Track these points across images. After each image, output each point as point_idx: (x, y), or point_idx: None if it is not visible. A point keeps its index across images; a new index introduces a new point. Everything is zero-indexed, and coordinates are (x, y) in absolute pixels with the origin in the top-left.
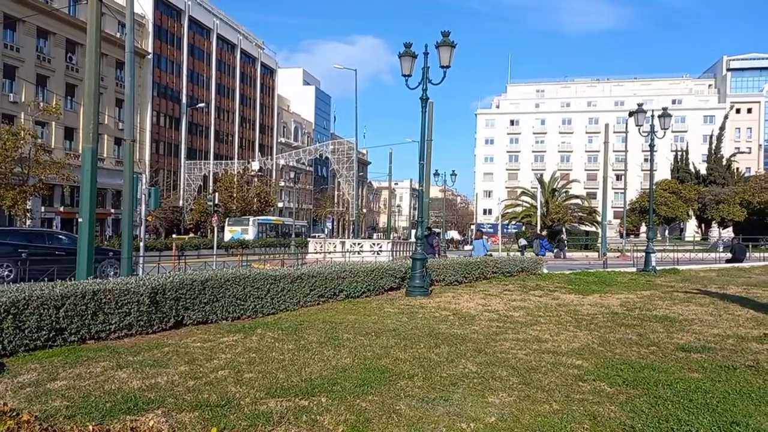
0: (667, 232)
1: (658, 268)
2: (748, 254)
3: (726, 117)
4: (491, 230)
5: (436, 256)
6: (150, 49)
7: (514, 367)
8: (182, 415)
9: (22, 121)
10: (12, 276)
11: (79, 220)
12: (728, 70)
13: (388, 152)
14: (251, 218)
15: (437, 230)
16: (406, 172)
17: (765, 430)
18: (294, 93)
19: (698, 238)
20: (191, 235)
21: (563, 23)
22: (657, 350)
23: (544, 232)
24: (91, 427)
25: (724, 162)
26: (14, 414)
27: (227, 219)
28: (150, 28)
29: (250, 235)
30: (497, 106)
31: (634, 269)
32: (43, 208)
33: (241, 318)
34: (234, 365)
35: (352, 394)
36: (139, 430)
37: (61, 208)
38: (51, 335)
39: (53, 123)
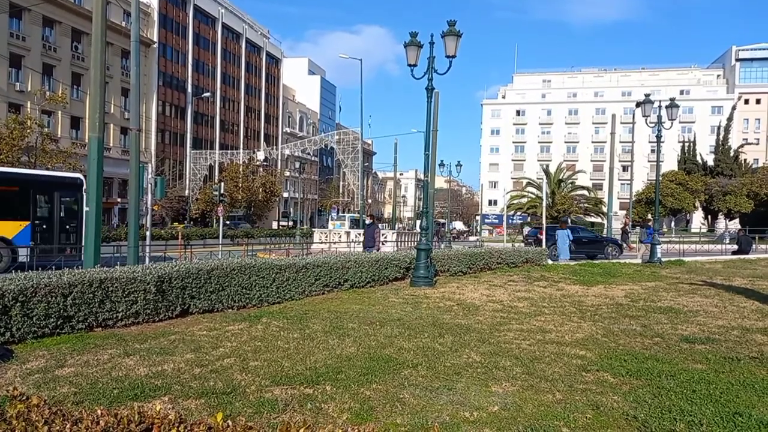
0: (673, 223)
1: (663, 259)
2: (754, 246)
3: (734, 108)
4: (496, 221)
5: (376, 250)
6: (155, 39)
7: (517, 357)
8: (188, 401)
9: (29, 110)
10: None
11: (86, 209)
12: (737, 60)
13: (394, 142)
14: (347, 215)
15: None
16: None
17: (767, 420)
18: (299, 83)
19: (704, 230)
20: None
21: (570, 13)
22: (661, 341)
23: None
24: (99, 411)
25: (732, 153)
26: (24, 398)
27: (332, 213)
28: (155, 17)
29: (347, 227)
30: (503, 97)
31: (639, 260)
32: None
33: (246, 307)
34: (239, 353)
35: (356, 382)
36: (146, 414)
37: None
38: (59, 323)
39: (59, 112)
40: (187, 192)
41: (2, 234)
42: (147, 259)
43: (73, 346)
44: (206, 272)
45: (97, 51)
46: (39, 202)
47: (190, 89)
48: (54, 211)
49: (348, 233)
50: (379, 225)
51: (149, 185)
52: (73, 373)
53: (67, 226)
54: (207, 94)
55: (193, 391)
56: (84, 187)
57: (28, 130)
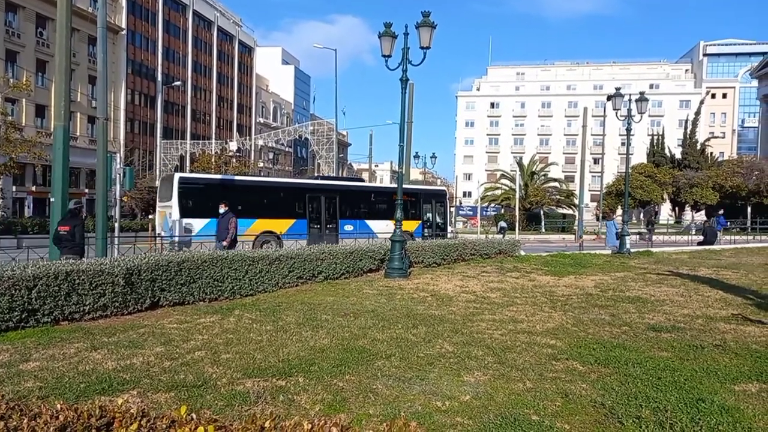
0: (642, 215)
1: (632, 250)
2: (719, 237)
3: (701, 102)
4: (471, 213)
5: (224, 243)
6: (124, 25)
7: (489, 347)
8: (158, 395)
9: None
10: None
11: (51, 200)
12: (705, 55)
13: (369, 134)
14: None
15: None
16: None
17: (729, 406)
18: (273, 72)
19: (672, 221)
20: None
21: (545, 6)
22: (629, 330)
23: (721, 211)
24: (59, 406)
25: (699, 146)
26: None
27: None
28: (123, 3)
29: None
30: (478, 89)
31: (609, 251)
32: (14, 188)
33: (218, 299)
34: (211, 346)
35: (329, 374)
36: (107, 408)
37: (33, 188)
38: (23, 316)
39: (24, 100)
40: (157, 183)
41: (409, 229)
42: (116, 252)
43: (38, 340)
44: (177, 264)
45: (63, 37)
46: (425, 207)
47: (160, 78)
48: (433, 212)
49: None
50: (233, 214)
51: (118, 176)
52: (39, 367)
53: (440, 223)
54: (177, 83)
55: (163, 384)
56: (448, 194)
57: None
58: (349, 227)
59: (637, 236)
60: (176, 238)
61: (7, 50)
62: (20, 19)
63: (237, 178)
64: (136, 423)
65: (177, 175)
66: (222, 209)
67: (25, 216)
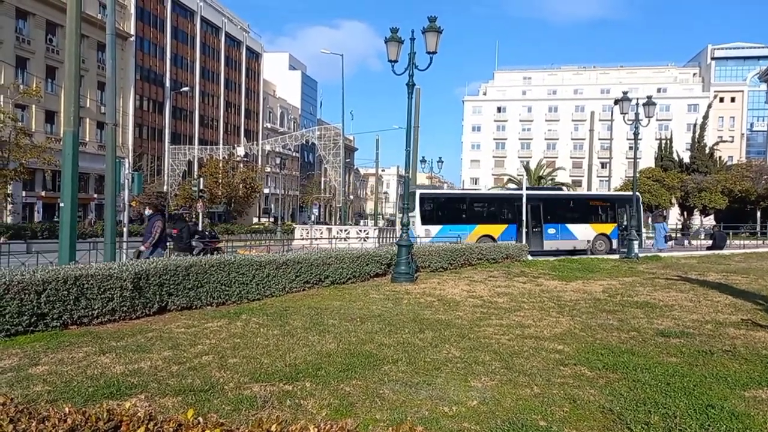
0: (650, 219)
1: (640, 255)
2: (728, 242)
3: (709, 106)
4: None
5: (142, 247)
6: (132, 32)
7: (496, 352)
8: (165, 399)
9: (2, 104)
10: None
11: (61, 205)
12: (713, 59)
13: (375, 139)
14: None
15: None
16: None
17: (739, 412)
18: (280, 78)
19: (680, 226)
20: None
21: (551, 11)
22: (637, 335)
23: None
24: (67, 409)
25: (707, 150)
26: None
27: (313, 210)
28: (132, 10)
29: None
30: (484, 93)
31: (617, 256)
32: (24, 193)
33: (225, 304)
34: (218, 350)
35: (336, 378)
36: (115, 412)
37: (43, 193)
38: (32, 320)
39: (33, 106)
40: (165, 188)
41: (605, 232)
42: (124, 256)
43: (47, 344)
44: (184, 269)
45: (72, 44)
46: (620, 211)
47: (168, 83)
48: (627, 216)
49: (330, 230)
50: (163, 216)
51: (126, 181)
52: (47, 371)
53: (634, 226)
54: (186, 89)
55: (171, 388)
56: (641, 199)
57: (1, 124)
58: (552, 230)
59: (673, 241)
60: (419, 240)
61: (17, 57)
62: (30, 26)
63: (461, 192)
64: (144, 426)
65: (418, 192)
66: (148, 212)
67: (35, 221)
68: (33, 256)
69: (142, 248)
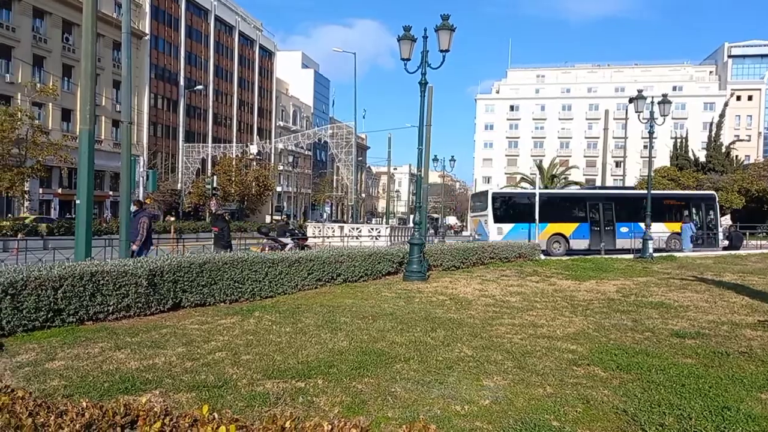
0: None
1: (655, 255)
2: (745, 242)
3: (726, 104)
4: None
5: (133, 246)
6: (147, 30)
7: (509, 352)
8: (179, 395)
9: (19, 102)
10: None
11: (77, 202)
12: (729, 56)
13: (387, 137)
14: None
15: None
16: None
17: (756, 414)
18: (292, 76)
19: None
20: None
21: (564, 9)
22: (651, 336)
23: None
24: (85, 403)
25: (724, 149)
26: (9, 391)
27: (326, 208)
28: (147, 9)
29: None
30: (497, 92)
31: (631, 256)
32: (41, 190)
33: (238, 301)
34: (231, 347)
35: (348, 376)
36: (132, 406)
37: (59, 190)
38: (49, 316)
39: (50, 104)
40: (179, 185)
41: (678, 230)
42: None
43: (63, 340)
44: (198, 266)
45: (88, 42)
46: (694, 210)
47: (182, 82)
48: (703, 215)
49: (342, 228)
50: (148, 213)
51: (141, 178)
52: (64, 366)
53: (710, 223)
54: (199, 87)
55: (185, 384)
56: (716, 198)
57: (19, 122)
58: (624, 229)
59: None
60: (491, 239)
61: (34, 55)
62: (47, 24)
63: (531, 191)
64: (160, 421)
65: (490, 192)
66: (133, 208)
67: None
68: (50, 252)
69: (133, 247)
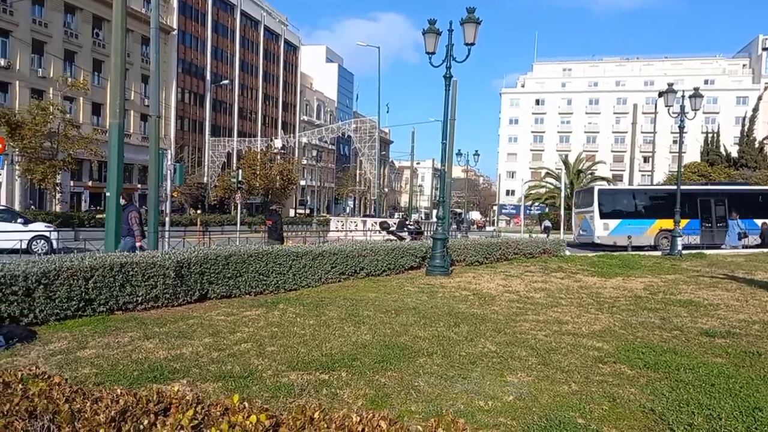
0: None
1: (684, 252)
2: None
3: (760, 98)
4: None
5: (138, 243)
6: (175, 26)
7: (533, 348)
8: (206, 384)
9: (51, 96)
10: None
11: (107, 194)
12: (764, 49)
13: (411, 131)
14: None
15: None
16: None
17: None
18: (317, 70)
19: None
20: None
21: (592, 1)
22: (680, 334)
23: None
24: (119, 390)
25: (757, 145)
26: (46, 377)
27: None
28: (174, 4)
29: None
30: (522, 85)
31: (659, 253)
32: (72, 183)
33: (263, 293)
34: (256, 339)
35: (371, 369)
36: (165, 394)
37: (90, 183)
38: (81, 305)
39: (81, 98)
40: (205, 179)
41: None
42: (166, 245)
43: (94, 329)
44: (224, 258)
45: (118, 38)
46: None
47: (208, 76)
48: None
49: (364, 222)
50: (136, 206)
51: (169, 172)
52: (95, 354)
53: None
54: (225, 82)
55: (211, 374)
56: None
57: (51, 116)
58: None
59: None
60: (596, 237)
61: (65, 50)
62: (78, 20)
63: (639, 187)
64: (192, 409)
65: (596, 188)
66: (122, 202)
67: (82, 209)
68: (81, 243)
69: (138, 243)
